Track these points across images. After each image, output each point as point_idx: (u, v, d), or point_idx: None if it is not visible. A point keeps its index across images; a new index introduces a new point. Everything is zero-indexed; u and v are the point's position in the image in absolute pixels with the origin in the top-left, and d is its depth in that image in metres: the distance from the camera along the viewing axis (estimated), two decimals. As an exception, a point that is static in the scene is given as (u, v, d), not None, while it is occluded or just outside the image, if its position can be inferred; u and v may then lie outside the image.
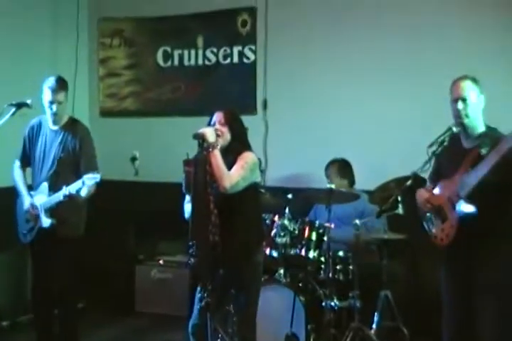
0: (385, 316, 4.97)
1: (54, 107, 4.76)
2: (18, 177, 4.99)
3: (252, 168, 4.12)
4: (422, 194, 4.07)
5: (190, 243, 3.77)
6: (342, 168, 5.58)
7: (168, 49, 6.85)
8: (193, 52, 6.72)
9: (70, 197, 4.58)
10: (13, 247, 5.53)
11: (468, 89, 3.89)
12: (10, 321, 5.95)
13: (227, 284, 4.08)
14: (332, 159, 5.63)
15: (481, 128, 3.91)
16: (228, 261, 3.95)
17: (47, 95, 4.76)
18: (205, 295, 3.76)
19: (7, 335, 5.83)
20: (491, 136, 3.78)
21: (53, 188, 4.70)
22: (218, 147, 3.95)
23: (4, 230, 5.21)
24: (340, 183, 5.45)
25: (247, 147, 4.20)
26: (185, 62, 6.78)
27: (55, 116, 4.80)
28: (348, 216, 5.22)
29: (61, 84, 4.80)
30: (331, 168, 5.60)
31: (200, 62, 6.71)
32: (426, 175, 4.15)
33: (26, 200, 4.86)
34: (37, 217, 4.76)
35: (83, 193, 4.60)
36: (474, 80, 3.94)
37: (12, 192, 5.02)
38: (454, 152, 3.93)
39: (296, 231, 5.04)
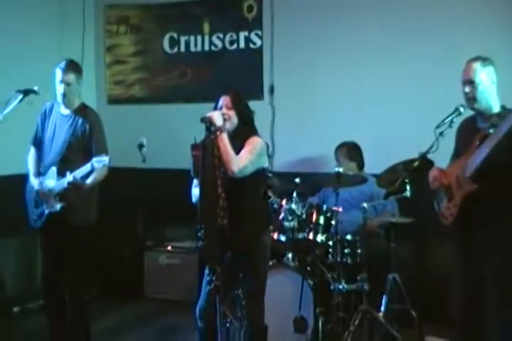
0: (393, 299, 4.98)
1: (61, 88, 4.76)
2: (29, 161, 4.97)
3: (260, 152, 4.12)
4: (433, 172, 4.08)
5: (199, 226, 3.79)
6: (351, 150, 5.60)
7: (175, 35, 6.85)
8: (199, 38, 6.73)
9: (74, 184, 4.59)
10: (24, 233, 5.55)
11: (477, 71, 3.87)
12: (20, 307, 6.02)
13: (235, 267, 4.10)
14: (342, 142, 5.64)
15: (495, 108, 3.91)
16: (236, 243, 3.97)
17: (57, 76, 4.76)
18: (214, 278, 3.78)
19: (18, 321, 5.88)
20: (504, 116, 3.74)
21: (62, 173, 4.66)
22: (226, 131, 3.96)
23: (14, 216, 5.23)
24: (349, 166, 5.48)
25: (254, 131, 4.20)
26: (192, 49, 6.78)
27: (64, 97, 4.77)
28: (357, 199, 5.23)
29: (71, 66, 4.79)
30: (340, 151, 5.62)
31: (206, 48, 6.71)
32: (434, 157, 4.15)
33: (34, 181, 4.84)
34: (48, 198, 4.77)
35: (89, 181, 4.60)
36: (486, 61, 3.91)
37: (21, 179, 5.02)
38: (469, 132, 3.94)
39: (304, 216, 5.03)
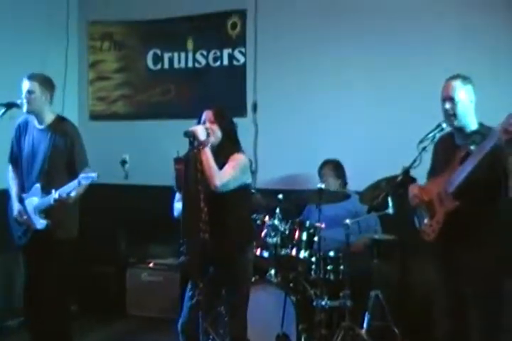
0: (375, 316, 4.97)
1: (23, 96, 4.72)
2: (10, 181, 4.93)
3: (243, 168, 4.15)
4: (412, 189, 4.10)
5: (181, 240, 3.78)
6: (336, 168, 5.63)
7: (158, 52, 6.85)
8: (183, 55, 6.72)
9: (60, 201, 4.56)
10: (4, 250, 5.50)
11: (457, 88, 3.93)
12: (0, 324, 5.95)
13: (217, 282, 4.09)
14: (326, 159, 5.66)
15: (473, 126, 3.95)
16: (218, 259, 3.97)
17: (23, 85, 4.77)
18: (196, 293, 3.76)
19: (-4, 339, 5.83)
20: (483, 133, 3.81)
21: (46, 189, 4.64)
22: (209, 145, 3.96)
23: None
24: (335, 183, 5.52)
25: (238, 146, 4.22)
26: (176, 65, 6.77)
27: (27, 106, 4.72)
28: (342, 217, 5.19)
29: (35, 75, 4.78)
30: (326, 168, 5.63)
31: (190, 64, 6.71)
32: (416, 172, 4.15)
33: (15, 207, 4.81)
34: (29, 222, 4.73)
35: (72, 194, 4.57)
36: (465, 79, 3.97)
37: (4, 195, 4.98)
38: (447, 149, 3.99)
39: (287, 232, 5.04)
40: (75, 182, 4.48)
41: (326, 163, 5.65)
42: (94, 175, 4.47)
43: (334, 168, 5.62)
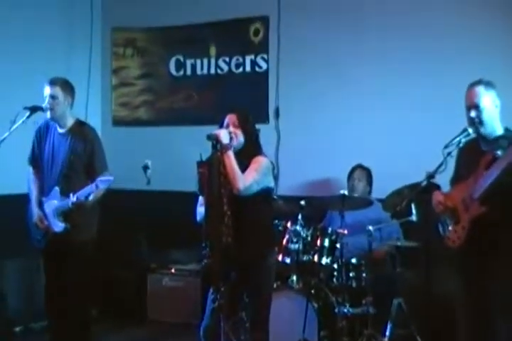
0: (398, 324, 4.93)
1: (47, 101, 4.75)
2: (31, 185, 4.96)
3: (266, 172, 4.14)
4: (436, 196, 4.05)
5: (204, 244, 3.77)
6: (368, 175, 5.60)
7: (181, 58, 6.87)
8: (205, 61, 6.74)
9: (78, 204, 4.58)
10: (26, 253, 5.51)
11: (481, 95, 3.87)
12: (22, 327, 5.97)
13: (239, 287, 4.07)
14: (359, 164, 5.63)
15: (498, 131, 3.90)
16: (240, 263, 3.95)
17: (45, 90, 4.80)
18: (218, 296, 3.75)
19: (20, 341, 5.85)
20: (509, 138, 3.77)
21: (65, 192, 4.67)
22: (232, 149, 3.96)
23: (17, 236, 5.20)
24: (365, 188, 5.53)
25: (260, 150, 4.22)
26: (198, 72, 6.80)
27: (51, 111, 4.76)
28: (362, 224, 5.17)
29: (56, 80, 4.83)
30: (358, 172, 5.60)
31: (212, 71, 6.72)
32: (441, 177, 4.11)
33: (35, 212, 4.84)
34: (48, 228, 4.75)
35: (90, 198, 4.59)
36: (488, 84, 3.91)
37: (25, 199, 5.01)
38: (472, 154, 3.93)
39: (309, 238, 5.01)
40: (92, 186, 4.50)
41: (359, 167, 5.62)
42: (111, 177, 4.49)
43: (368, 174, 5.61)
